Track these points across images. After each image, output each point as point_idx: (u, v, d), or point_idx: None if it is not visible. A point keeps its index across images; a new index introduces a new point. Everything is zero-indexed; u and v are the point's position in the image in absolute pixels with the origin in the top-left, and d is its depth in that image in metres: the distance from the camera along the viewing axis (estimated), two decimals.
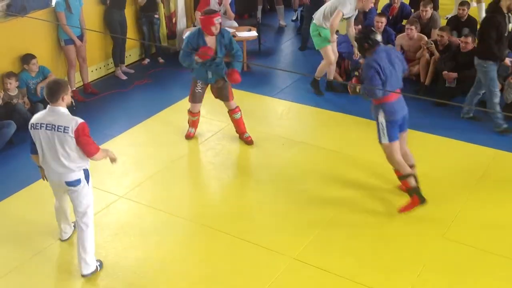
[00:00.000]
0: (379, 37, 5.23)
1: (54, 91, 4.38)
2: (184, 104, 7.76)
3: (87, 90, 8.02)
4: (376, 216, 5.45)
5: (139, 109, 7.67)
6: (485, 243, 5.05)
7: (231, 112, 6.71)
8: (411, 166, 5.47)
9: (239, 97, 7.92)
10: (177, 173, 6.30)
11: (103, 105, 7.64)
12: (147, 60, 9.03)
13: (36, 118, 4.49)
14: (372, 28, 5.20)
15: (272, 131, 7.17)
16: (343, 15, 7.34)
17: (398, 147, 5.33)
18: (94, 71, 8.39)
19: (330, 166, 6.28)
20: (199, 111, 6.82)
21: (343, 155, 6.45)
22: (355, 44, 7.61)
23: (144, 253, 5.10)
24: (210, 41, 6.23)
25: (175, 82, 8.50)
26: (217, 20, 6.09)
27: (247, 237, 5.23)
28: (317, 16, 7.52)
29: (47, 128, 4.38)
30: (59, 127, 4.36)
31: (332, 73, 7.99)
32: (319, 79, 7.90)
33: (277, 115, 7.69)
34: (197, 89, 6.62)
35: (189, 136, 6.88)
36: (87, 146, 4.44)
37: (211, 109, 7.76)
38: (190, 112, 6.80)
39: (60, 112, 4.41)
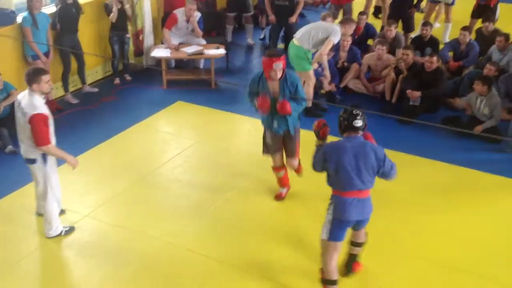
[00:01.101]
0: (358, 124, 4.41)
1: (26, 78, 4.88)
2: (151, 121, 7.74)
3: (52, 107, 7.87)
4: None
5: (105, 126, 7.58)
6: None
7: (290, 168, 5.99)
8: (360, 244, 4.88)
9: (207, 114, 7.95)
10: (143, 191, 6.23)
11: (68, 122, 7.53)
12: (117, 80, 8.93)
13: (19, 96, 5.04)
14: (356, 112, 4.40)
15: (240, 148, 7.17)
16: (333, 44, 7.40)
17: (337, 251, 4.56)
18: (60, 88, 8.27)
19: (298, 182, 6.29)
20: (283, 165, 5.88)
21: (311, 172, 6.47)
22: (326, 66, 7.72)
23: (109, 273, 5.02)
24: (273, 85, 5.47)
25: (142, 99, 8.44)
26: (277, 65, 5.28)
27: (214, 255, 5.19)
28: (304, 39, 7.31)
29: (19, 107, 4.92)
30: (24, 111, 4.84)
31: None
32: (311, 105, 7.77)
33: (245, 132, 7.70)
34: (267, 138, 5.85)
35: (279, 197, 5.99)
36: (37, 135, 4.81)
37: (179, 126, 7.75)
38: (272, 168, 5.95)
39: (31, 97, 4.84)
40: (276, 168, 5.87)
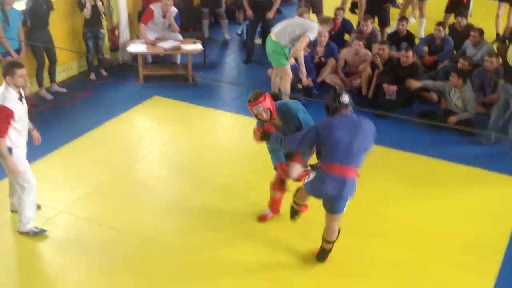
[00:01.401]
0: (346, 99, 4.52)
1: (2, 70, 4.89)
2: (128, 116, 7.68)
3: (27, 103, 7.74)
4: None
5: (81, 122, 7.49)
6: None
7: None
8: (331, 242, 4.92)
9: (184, 109, 7.91)
10: (120, 186, 6.18)
11: (43, 118, 7.41)
12: (93, 75, 8.84)
13: None
14: (340, 89, 4.55)
15: (217, 143, 7.15)
16: (309, 40, 7.45)
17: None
18: (35, 83, 8.14)
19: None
20: (283, 187, 5.47)
21: None
22: (303, 63, 7.74)
23: (86, 268, 4.97)
24: (274, 123, 5.10)
25: (118, 94, 8.37)
26: (257, 108, 4.89)
27: (193, 251, 5.18)
28: (281, 35, 7.40)
29: None
30: None
31: (277, 85, 8.06)
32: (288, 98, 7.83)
33: (222, 127, 7.69)
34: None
35: (263, 219, 5.61)
36: None
37: (156, 121, 7.70)
38: (271, 184, 5.50)
39: (5, 90, 4.82)
40: (274, 186, 5.45)
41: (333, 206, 4.66)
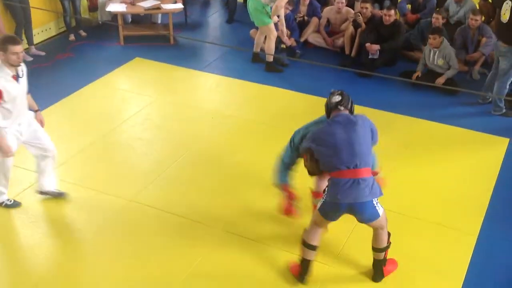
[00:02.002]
0: (336, 99, 4.17)
1: None
2: (109, 78, 7.58)
3: None
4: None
5: (61, 84, 7.39)
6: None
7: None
8: (380, 249, 4.41)
9: (166, 70, 7.82)
10: (104, 149, 6.15)
11: None
12: (72, 36, 8.66)
13: None
14: (332, 91, 4.25)
15: (200, 105, 7.11)
16: None
17: (324, 225, 4.37)
18: None
19: (259, 138, 6.32)
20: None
21: (272, 127, 6.50)
22: (283, 22, 7.66)
23: (71, 231, 5.00)
24: None
25: (98, 56, 8.24)
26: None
27: (177, 211, 5.21)
28: None
29: None
30: None
31: (260, 45, 7.99)
32: (271, 60, 7.80)
33: (206, 89, 7.63)
34: None
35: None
36: None
37: (138, 83, 7.62)
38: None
39: None
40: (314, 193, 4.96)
41: (361, 215, 4.14)
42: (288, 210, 4.78)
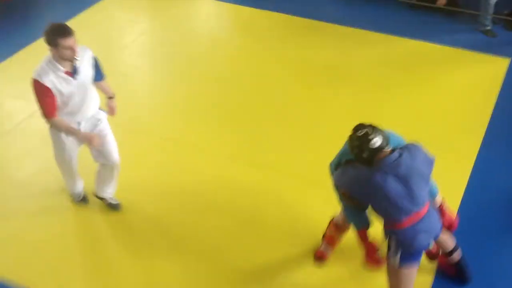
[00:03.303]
0: (377, 143, 3.12)
1: (44, 36, 3.70)
2: (102, 6, 7.38)
3: None
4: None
5: (50, 14, 7.20)
6: None
7: None
8: (453, 250, 3.88)
9: None
10: None
11: (7, 12, 7.08)
12: None
13: None
14: (362, 132, 3.14)
15: (199, 31, 6.99)
16: None
17: (412, 278, 3.48)
18: None
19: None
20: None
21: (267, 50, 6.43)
22: None
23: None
24: None
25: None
26: None
27: (170, 137, 5.23)
28: None
29: None
30: None
31: None
32: None
33: (204, 15, 7.48)
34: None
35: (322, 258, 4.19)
36: (39, 104, 3.81)
37: (134, 11, 7.45)
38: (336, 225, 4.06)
39: (45, 59, 3.78)
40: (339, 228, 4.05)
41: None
42: (374, 259, 3.56)
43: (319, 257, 4.15)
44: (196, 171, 4.91)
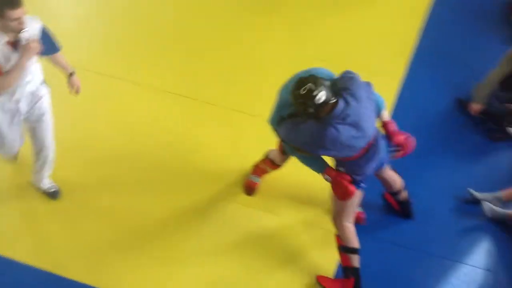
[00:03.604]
0: (322, 97, 3.03)
1: None
2: None
3: None
4: None
5: None
6: None
7: None
8: (397, 192, 4.08)
9: None
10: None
11: None
12: None
13: None
14: (306, 89, 3.03)
15: None
16: None
17: (355, 203, 3.62)
18: None
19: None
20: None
21: None
22: None
23: None
24: None
25: None
26: None
27: (108, 72, 5.25)
28: None
29: None
30: None
31: None
32: None
33: None
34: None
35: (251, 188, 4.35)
36: None
37: None
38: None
39: None
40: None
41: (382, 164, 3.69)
42: (349, 188, 3.46)
43: (250, 187, 4.31)
44: (131, 107, 4.94)
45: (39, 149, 3.96)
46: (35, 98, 3.71)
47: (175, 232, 4.07)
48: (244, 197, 4.28)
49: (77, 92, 3.87)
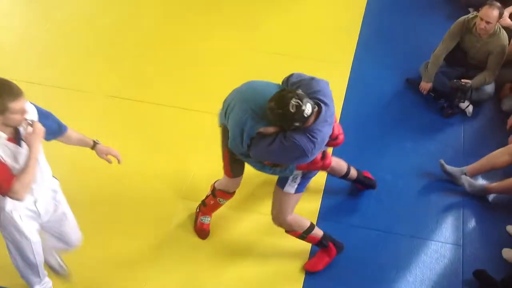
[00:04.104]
0: (309, 109, 2.94)
1: None
2: None
3: None
4: None
5: None
6: None
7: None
8: (348, 172, 4.03)
9: None
10: None
11: None
12: None
13: None
14: (293, 102, 2.89)
15: None
16: None
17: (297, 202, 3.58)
18: None
19: None
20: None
21: None
22: None
23: None
24: None
25: None
26: None
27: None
28: None
29: None
30: None
31: None
32: None
33: None
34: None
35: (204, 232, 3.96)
36: None
37: None
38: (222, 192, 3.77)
39: None
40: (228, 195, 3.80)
41: None
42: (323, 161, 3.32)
43: (203, 230, 3.89)
44: (74, 115, 4.76)
45: (63, 245, 3.37)
46: (52, 194, 3.09)
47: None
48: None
49: (118, 161, 3.25)
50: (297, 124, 2.94)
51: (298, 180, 3.43)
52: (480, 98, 4.84)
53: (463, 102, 4.77)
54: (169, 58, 5.33)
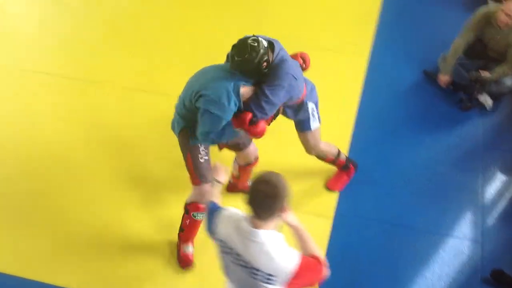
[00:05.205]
0: (263, 40, 3.07)
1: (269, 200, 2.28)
2: None
3: None
4: None
5: None
6: None
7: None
8: (338, 155, 4.03)
9: None
10: None
11: None
12: None
13: (223, 231, 2.45)
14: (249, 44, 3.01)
15: None
16: None
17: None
18: None
19: None
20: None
21: None
22: None
23: None
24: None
25: None
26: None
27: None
28: None
29: (238, 261, 2.42)
30: (257, 272, 2.37)
31: None
32: None
33: None
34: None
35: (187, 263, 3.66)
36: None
37: None
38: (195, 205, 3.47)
39: (264, 246, 2.32)
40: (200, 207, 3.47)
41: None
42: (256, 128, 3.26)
43: (186, 260, 3.61)
44: (99, 105, 4.76)
45: None
46: None
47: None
48: None
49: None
50: (266, 58, 3.01)
51: (315, 113, 3.59)
52: (500, 92, 4.76)
53: (482, 94, 4.69)
54: (185, 48, 5.30)
